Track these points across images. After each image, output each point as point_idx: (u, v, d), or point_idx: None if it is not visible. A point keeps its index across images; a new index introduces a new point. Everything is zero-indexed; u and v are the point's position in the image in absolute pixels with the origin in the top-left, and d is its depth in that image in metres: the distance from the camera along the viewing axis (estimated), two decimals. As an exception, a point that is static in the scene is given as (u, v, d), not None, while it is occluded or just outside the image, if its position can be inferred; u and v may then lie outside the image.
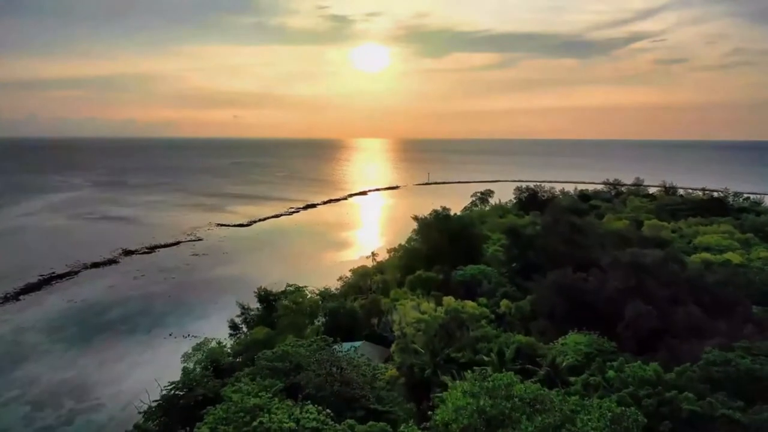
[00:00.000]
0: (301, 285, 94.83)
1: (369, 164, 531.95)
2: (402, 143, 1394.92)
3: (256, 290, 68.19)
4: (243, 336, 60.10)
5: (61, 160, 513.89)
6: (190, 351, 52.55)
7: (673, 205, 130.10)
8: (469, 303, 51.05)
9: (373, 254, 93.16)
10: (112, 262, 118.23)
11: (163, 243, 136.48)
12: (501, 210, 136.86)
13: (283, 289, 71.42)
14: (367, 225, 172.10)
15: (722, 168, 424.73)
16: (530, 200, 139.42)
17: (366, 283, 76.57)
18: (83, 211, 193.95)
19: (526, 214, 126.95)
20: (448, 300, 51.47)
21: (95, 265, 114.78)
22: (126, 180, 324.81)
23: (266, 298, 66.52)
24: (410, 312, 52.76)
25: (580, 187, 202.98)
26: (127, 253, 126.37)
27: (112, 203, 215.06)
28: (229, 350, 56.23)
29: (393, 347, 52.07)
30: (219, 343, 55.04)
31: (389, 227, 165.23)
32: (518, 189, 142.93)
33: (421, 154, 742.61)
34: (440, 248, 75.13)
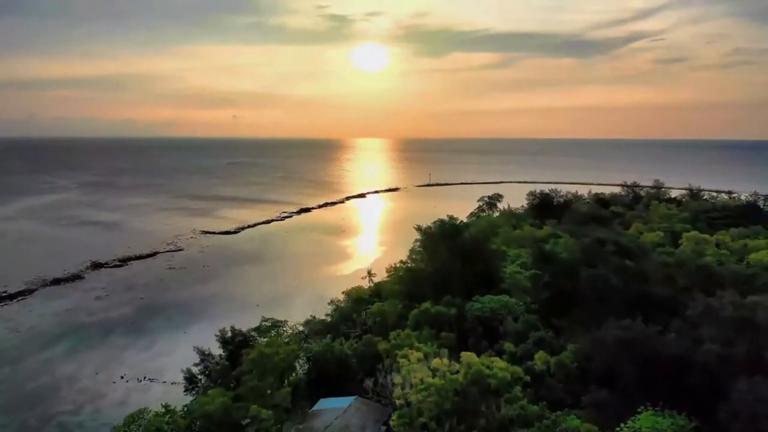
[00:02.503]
0: (284, 312, 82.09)
1: (368, 165, 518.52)
2: (402, 143, 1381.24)
3: (218, 332, 54.48)
4: (198, 395, 46.41)
5: (54, 161, 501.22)
6: (121, 423, 39.19)
7: (706, 212, 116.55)
8: (498, 362, 37.73)
9: (370, 274, 79.72)
10: (76, 277, 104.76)
11: (138, 254, 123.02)
12: (512, 217, 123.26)
13: (258, 324, 57.99)
14: (364, 232, 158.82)
15: (728, 168, 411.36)
16: (544, 206, 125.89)
17: (360, 313, 63.14)
18: (62, 215, 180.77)
19: (541, 222, 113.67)
20: (469, 357, 38.15)
21: (56, 281, 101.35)
22: (116, 181, 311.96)
23: (233, 340, 52.97)
24: (417, 370, 39.48)
25: (594, 189, 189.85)
26: (96, 266, 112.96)
27: (95, 207, 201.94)
28: (179, 414, 42.63)
29: (394, 418, 38.73)
30: (166, 407, 41.59)
31: (389, 235, 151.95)
32: (531, 194, 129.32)
33: (421, 154, 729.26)
34: (450, 270, 61.78)
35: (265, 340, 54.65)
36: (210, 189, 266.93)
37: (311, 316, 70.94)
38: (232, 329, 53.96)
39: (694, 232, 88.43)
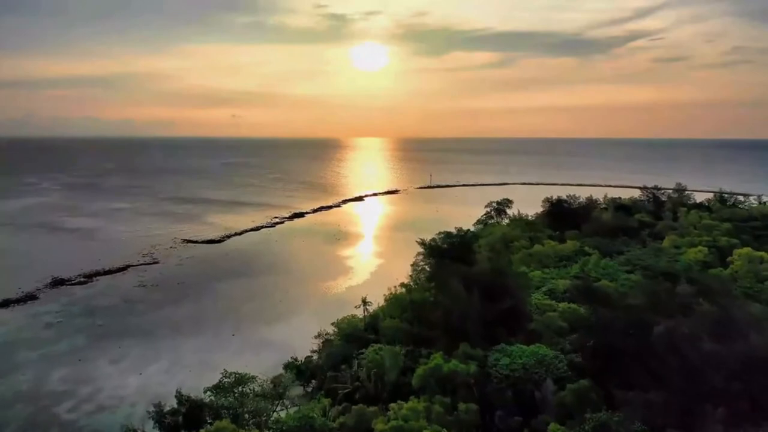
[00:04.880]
0: (262, 346, 69.61)
1: (367, 165, 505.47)
2: (401, 142, 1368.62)
3: (152, 408, 40.76)
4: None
5: (46, 161, 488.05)
6: None
7: (745, 222, 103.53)
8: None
9: (364, 302, 66.27)
10: (30, 297, 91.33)
11: (107, 268, 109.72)
12: (525, 226, 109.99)
13: (218, 380, 44.69)
14: (361, 240, 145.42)
15: (737, 168, 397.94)
16: (562, 214, 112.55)
17: (352, 363, 49.93)
18: (35, 221, 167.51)
19: (560, 233, 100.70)
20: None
21: (5, 303, 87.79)
22: (103, 183, 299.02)
23: (176, 413, 39.59)
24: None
25: (605, 191, 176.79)
26: (57, 283, 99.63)
27: (72, 211, 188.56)
28: None
29: None
30: None
31: (388, 244, 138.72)
32: (547, 200, 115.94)
33: (421, 153, 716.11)
34: (464, 307, 48.50)
35: (226, 400, 41.67)
36: (199, 191, 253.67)
37: (292, 358, 58.18)
38: (178, 395, 40.52)
39: (746, 249, 75.32)
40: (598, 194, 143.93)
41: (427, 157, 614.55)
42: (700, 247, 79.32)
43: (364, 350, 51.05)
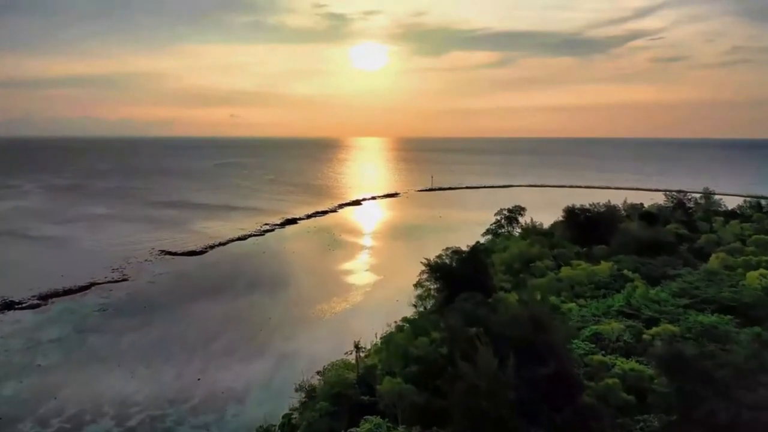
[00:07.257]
0: (233, 397, 56.25)
1: (366, 166, 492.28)
2: (401, 142, 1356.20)
3: None
4: None
5: (37, 162, 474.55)
6: None
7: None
8: None
9: (357, 348, 52.71)
10: (-33, 326, 78.06)
11: (68, 287, 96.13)
12: (544, 239, 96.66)
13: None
14: (357, 252, 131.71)
15: (741, 169, 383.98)
16: (583, 223, 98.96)
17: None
18: (4, 229, 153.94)
19: (588, 249, 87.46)
20: None
21: (-65, 334, 74.70)
22: (89, 185, 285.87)
23: None
24: None
25: (619, 194, 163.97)
26: (5, 306, 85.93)
27: (49, 217, 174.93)
28: None
29: None
30: None
31: (387, 256, 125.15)
32: (569, 210, 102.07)
33: (422, 153, 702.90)
34: (494, 380, 34.93)
35: None
36: (189, 194, 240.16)
37: (262, 426, 44.80)
38: None
39: (823, 274, 61.99)
40: (609, 196, 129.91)
41: (427, 157, 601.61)
42: (762, 270, 65.86)
43: (354, 429, 37.67)
